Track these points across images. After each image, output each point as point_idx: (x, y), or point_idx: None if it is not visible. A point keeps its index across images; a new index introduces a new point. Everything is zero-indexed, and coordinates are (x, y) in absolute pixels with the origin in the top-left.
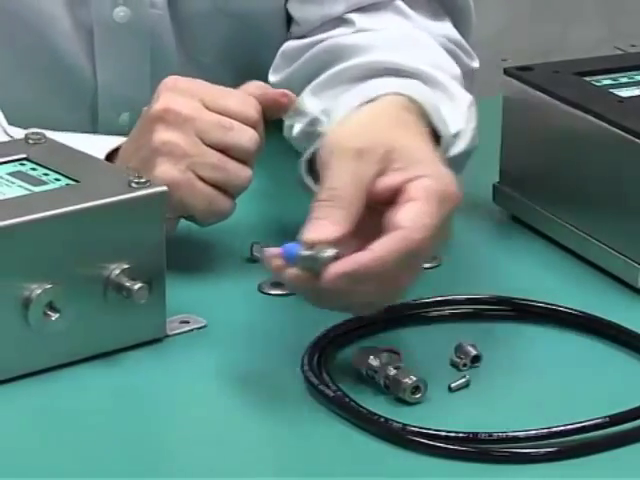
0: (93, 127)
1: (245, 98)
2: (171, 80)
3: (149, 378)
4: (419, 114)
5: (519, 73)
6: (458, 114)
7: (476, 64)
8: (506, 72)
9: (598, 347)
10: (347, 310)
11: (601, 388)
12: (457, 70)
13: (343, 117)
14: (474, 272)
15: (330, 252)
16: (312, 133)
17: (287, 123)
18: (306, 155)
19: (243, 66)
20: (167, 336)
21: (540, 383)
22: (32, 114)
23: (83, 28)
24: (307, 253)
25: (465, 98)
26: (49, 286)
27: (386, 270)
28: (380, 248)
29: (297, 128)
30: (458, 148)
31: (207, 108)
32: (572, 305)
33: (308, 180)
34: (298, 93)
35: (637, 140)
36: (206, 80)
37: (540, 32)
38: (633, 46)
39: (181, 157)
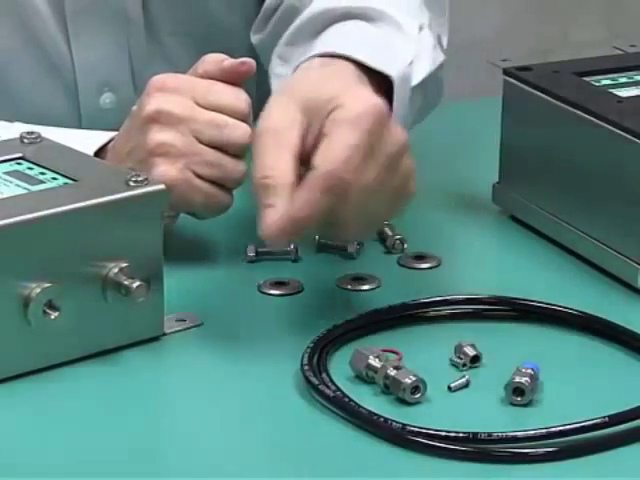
0: (76, 107)
1: (233, 90)
2: (159, 80)
3: (147, 377)
4: (360, 70)
5: (519, 73)
6: (408, 42)
7: None
8: (506, 72)
9: (598, 347)
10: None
11: (601, 388)
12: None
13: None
14: (474, 272)
15: None
16: None
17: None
18: None
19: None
20: (164, 334)
21: (540, 383)
22: (14, 95)
23: (56, 2)
24: None
25: (413, 24)
26: (48, 285)
27: (320, 211)
28: (300, 197)
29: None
30: (422, 73)
31: (198, 105)
32: (572, 305)
33: None
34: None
35: (637, 140)
36: (169, 59)
37: (540, 32)
38: (633, 46)
39: (178, 157)
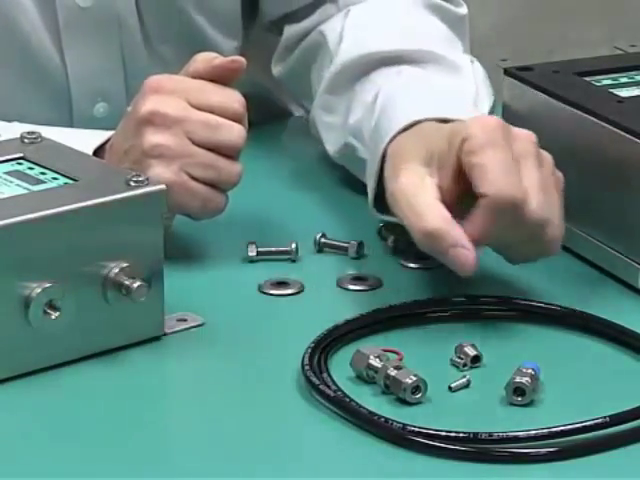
0: (69, 117)
1: (228, 92)
2: (155, 81)
3: (148, 377)
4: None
5: (519, 73)
6: (466, 83)
7: (464, 10)
8: (506, 72)
9: (598, 347)
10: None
11: (601, 388)
12: (444, 32)
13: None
14: (474, 272)
15: None
16: (349, 155)
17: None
18: (371, 196)
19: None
20: (165, 334)
21: (540, 383)
22: (7, 105)
23: (48, 13)
24: None
25: (464, 60)
26: (49, 285)
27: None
28: (475, 223)
29: (331, 149)
30: (484, 109)
31: (192, 106)
32: (572, 305)
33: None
34: (303, 82)
35: (637, 140)
36: (162, 69)
37: (540, 32)
38: (633, 46)
39: (173, 159)
